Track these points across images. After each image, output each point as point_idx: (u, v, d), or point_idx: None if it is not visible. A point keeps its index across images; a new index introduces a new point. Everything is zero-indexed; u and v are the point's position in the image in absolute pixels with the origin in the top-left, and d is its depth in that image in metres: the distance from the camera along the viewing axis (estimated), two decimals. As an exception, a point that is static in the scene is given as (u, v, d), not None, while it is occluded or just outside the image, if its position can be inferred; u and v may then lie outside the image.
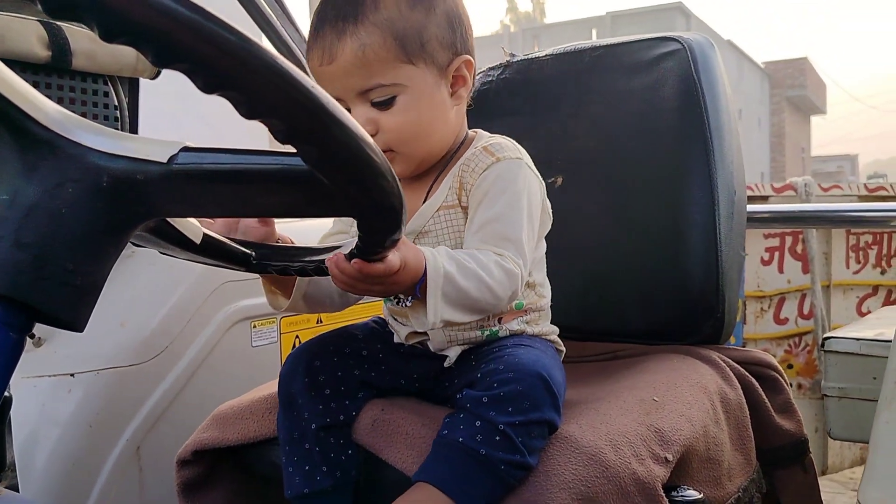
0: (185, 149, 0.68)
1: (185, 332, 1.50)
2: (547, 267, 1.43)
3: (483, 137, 1.12)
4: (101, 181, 0.67)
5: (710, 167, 1.25)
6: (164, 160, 0.66)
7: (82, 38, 1.37)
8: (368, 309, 1.65)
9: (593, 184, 1.41)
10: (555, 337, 1.15)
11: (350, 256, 0.80)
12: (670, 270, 1.28)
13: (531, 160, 1.09)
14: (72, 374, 1.35)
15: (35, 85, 1.29)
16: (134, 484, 1.40)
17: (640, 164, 1.36)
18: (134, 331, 1.44)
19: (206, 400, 1.50)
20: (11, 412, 1.31)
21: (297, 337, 1.73)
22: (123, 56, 1.43)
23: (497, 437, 0.86)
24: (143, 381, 1.43)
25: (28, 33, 1.28)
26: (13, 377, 1.35)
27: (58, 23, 1.34)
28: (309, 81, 0.57)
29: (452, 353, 1.06)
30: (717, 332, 1.27)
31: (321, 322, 1.78)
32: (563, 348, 1.16)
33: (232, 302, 1.58)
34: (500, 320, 1.07)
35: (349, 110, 0.96)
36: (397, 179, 0.67)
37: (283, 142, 0.60)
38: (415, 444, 0.97)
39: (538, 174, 1.09)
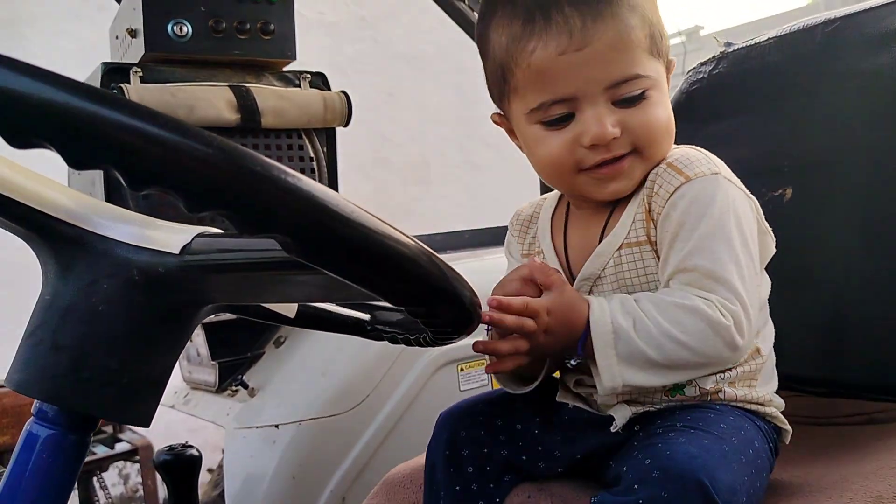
0: (201, 235, 0.61)
1: (387, 379, 1.47)
2: (776, 301, 1.16)
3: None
4: (133, 275, 0.63)
5: None
6: (177, 251, 0.60)
7: (270, 97, 1.40)
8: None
9: (833, 194, 1.10)
10: (773, 410, 0.88)
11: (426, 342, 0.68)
12: (940, 307, 0.95)
13: (733, 174, 0.87)
14: (276, 426, 1.39)
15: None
16: (341, 535, 1.39)
17: (892, 165, 1.03)
18: (335, 380, 1.44)
19: (413, 449, 1.45)
20: (225, 463, 1.38)
21: (511, 379, 1.62)
22: (310, 108, 1.45)
23: None
24: (346, 430, 1.43)
25: (216, 100, 1.34)
26: (228, 428, 1.42)
27: (246, 84, 1.39)
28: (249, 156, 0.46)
29: (620, 416, 0.85)
30: None
31: (539, 362, 1.65)
32: (788, 427, 0.89)
33: (436, 345, 1.52)
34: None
35: (573, 113, 0.82)
36: (434, 257, 0.54)
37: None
38: (559, 543, 0.81)
39: (745, 189, 0.87)
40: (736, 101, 1.26)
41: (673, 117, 0.87)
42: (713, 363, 0.80)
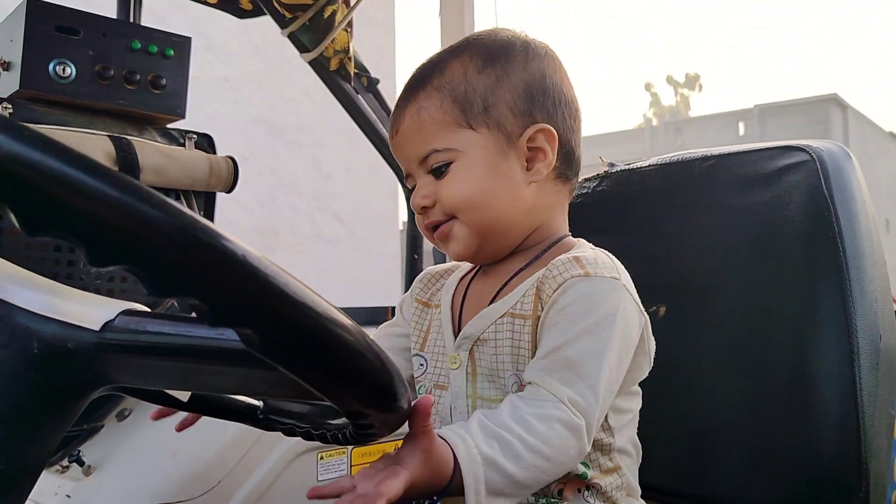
0: (127, 312, 0.56)
1: (242, 464, 1.38)
2: (646, 413, 1.21)
3: (584, 246, 0.96)
4: (32, 347, 0.55)
5: (846, 307, 1.00)
6: (97, 327, 0.54)
7: (151, 153, 1.33)
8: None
9: (702, 316, 1.18)
10: None
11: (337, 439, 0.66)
12: (795, 432, 1.03)
13: (633, 287, 0.91)
14: (113, 511, 1.25)
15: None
16: None
17: (758, 296, 1.13)
18: (186, 462, 1.33)
19: (261, 542, 1.35)
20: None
21: (369, 470, 1.57)
22: (195, 170, 1.38)
23: None
24: (192, 519, 1.31)
25: (93, 149, 1.25)
26: (55, 510, 1.26)
27: (127, 137, 1.31)
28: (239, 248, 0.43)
29: None
30: (859, 517, 0.99)
31: (398, 453, 1.61)
32: None
33: (297, 431, 1.45)
34: (560, 493, 0.86)
35: (414, 185, 0.95)
36: (381, 354, 0.52)
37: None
38: None
39: (640, 304, 0.90)
40: (616, 219, 1.34)
41: (499, 187, 0.90)
42: (565, 469, 0.80)
